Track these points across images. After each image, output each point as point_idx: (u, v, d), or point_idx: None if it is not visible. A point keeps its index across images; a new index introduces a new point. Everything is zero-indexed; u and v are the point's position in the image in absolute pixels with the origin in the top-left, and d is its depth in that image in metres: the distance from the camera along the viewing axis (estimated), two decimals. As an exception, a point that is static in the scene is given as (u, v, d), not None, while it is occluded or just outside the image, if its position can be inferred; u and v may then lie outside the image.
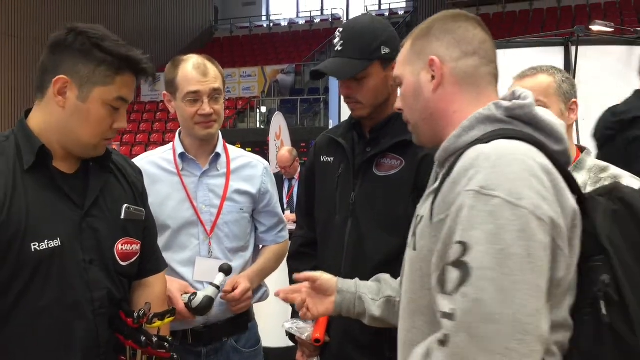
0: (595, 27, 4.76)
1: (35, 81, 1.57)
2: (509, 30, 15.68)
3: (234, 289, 2.13)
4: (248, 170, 2.29)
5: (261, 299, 2.34)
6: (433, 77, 1.26)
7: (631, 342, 1.04)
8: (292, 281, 2.29)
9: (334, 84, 5.14)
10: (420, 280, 1.19)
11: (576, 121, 1.97)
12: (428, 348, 1.08)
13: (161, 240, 2.06)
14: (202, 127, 2.16)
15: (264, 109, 18.36)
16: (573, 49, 4.51)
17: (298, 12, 24.71)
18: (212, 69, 2.16)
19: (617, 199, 1.14)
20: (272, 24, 23.91)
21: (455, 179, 1.11)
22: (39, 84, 1.54)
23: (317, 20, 23.32)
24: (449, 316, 1.02)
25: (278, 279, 2.30)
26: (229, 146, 2.34)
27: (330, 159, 2.09)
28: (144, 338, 1.52)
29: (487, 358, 0.97)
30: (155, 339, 1.53)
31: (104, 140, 1.57)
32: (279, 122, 7.68)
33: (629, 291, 1.06)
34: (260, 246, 2.37)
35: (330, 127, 5.24)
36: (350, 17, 21.69)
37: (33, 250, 1.44)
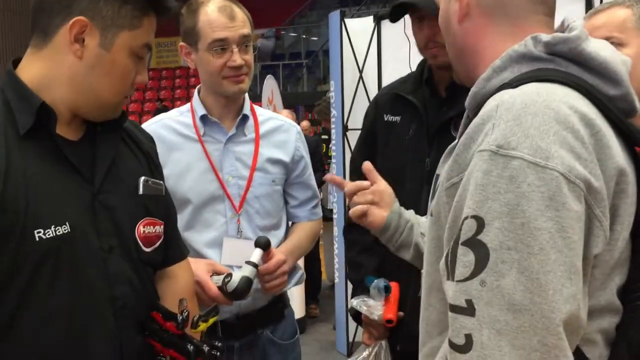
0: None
1: (33, 24, 1.23)
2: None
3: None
4: (280, 135, 1.96)
5: (298, 283, 2.03)
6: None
7: None
8: (349, 264, 2.00)
9: (335, 40, 4.77)
10: (435, 252, 1.01)
11: None
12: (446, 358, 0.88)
13: (181, 218, 1.74)
14: (232, 82, 1.82)
15: (244, 75, 17.90)
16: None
17: (275, -26, 24.05)
18: (240, 11, 1.82)
19: None
20: (248, -13, 23.27)
21: (470, 135, 0.91)
22: (39, 28, 1.20)
23: (295, -18, 22.72)
24: (463, 310, 0.82)
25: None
26: (257, 107, 2.00)
27: (397, 119, 1.88)
28: (192, 347, 1.20)
29: (520, 357, 0.78)
30: (207, 348, 1.20)
31: (125, 98, 1.27)
32: (270, 86, 7.38)
33: None
34: (290, 223, 2.05)
35: (332, 89, 4.93)
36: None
37: (37, 239, 1.12)
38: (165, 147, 1.81)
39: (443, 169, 1.02)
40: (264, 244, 1.76)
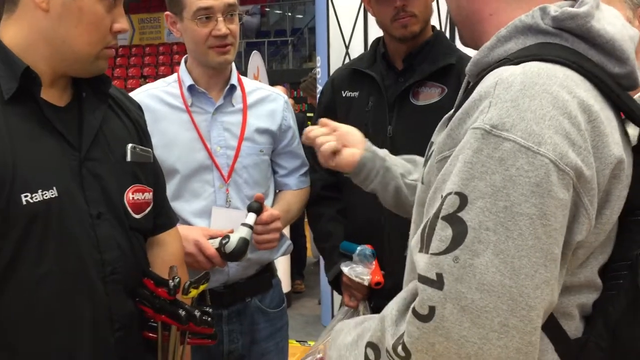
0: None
1: None
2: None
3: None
4: (267, 105, 1.97)
5: (285, 253, 2.05)
6: None
7: None
8: (317, 235, 2.05)
9: (321, 15, 4.76)
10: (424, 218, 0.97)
11: None
12: (400, 313, 0.89)
13: (169, 188, 1.75)
14: (217, 53, 1.81)
15: (229, 52, 17.74)
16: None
17: (260, -50, 23.73)
18: None
19: None
20: (233, -37, 22.95)
21: (466, 110, 0.88)
22: None
23: (280, -41, 22.45)
24: (432, 283, 0.82)
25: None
26: (243, 77, 2.00)
27: (355, 94, 1.94)
28: (184, 312, 1.21)
29: (479, 335, 0.79)
30: (199, 313, 1.22)
31: (106, 48, 1.24)
32: (256, 63, 7.31)
33: None
34: (278, 191, 2.06)
35: (319, 64, 4.92)
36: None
37: (24, 202, 1.12)
38: (153, 117, 1.79)
39: (437, 139, 1.01)
40: (256, 209, 1.78)
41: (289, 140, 2.00)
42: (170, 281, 1.24)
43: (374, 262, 1.82)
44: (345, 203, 2.00)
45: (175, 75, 1.94)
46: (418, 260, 0.86)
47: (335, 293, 4.09)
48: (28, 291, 1.15)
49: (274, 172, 2.03)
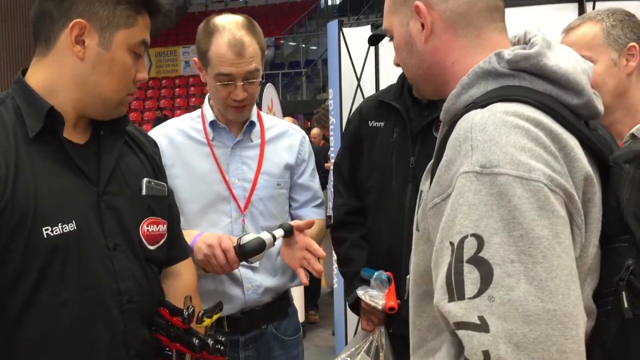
0: (607, -18, 4.56)
1: (36, 34, 1.29)
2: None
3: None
4: (284, 140, 2.04)
5: (300, 283, 2.07)
6: (423, 26, 1.07)
7: None
8: (339, 259, 2.09)
9: (333, 49, 4.84)
10: (424, 264, 1.03)
11: None
12: None
13: (189, 218, 1.84)
14: (233, 111, 1.91)
15: (244, 84, 17.91)
16: (588, 5, 4.29)
17: (274, -16, 24.14)
18: (250, 45, 1.84)
19: None
20: (248, -2, 23.35)
21: (449, 157, 0.93)
22: (41, 37, 1.26)
23: (294, -7, 22.80)
24: (476, 327, 0.82)
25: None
26: (263, 114, 2.08)
27: (381, 124, 2.01)
28: (198, 341, 1.25)
29: None
30: (212, 342, 1.26)
31: (128, 95, 1.33)
32: (270, 95, 7.42)
33: None
34: None
35: (331, 97, 4.99)
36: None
37: (45, 235, 1.18)
38: (176, 149, 1.90)
39: (425, 186, 1.06)
40: (287, 228, 1.83)
41: (300, 174, 2.06)
42: (185, 310, 1.28)
43: (389, 287, 1.86)
44: (369, 228, 2.06)
45: (199, 111, 2.02)
46: (451, 310, 0.85)
47: (349, 323, 4.09)
48: (48, 318, 1.20)
49: (290, 206, 2.07)
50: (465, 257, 0.85)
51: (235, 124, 1.98)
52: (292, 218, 2.08)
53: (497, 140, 0.87)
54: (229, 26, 1.85)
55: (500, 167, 0.85)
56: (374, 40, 2.01)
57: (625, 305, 0.91)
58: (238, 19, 1.89)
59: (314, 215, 2.07)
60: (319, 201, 2.09)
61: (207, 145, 1.95)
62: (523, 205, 0.83)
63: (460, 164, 0.89)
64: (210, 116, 1.97)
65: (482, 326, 0.81)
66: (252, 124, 1.98)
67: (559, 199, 0.85)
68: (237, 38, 1.83)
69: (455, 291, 0.85)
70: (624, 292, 0.91)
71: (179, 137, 1.96)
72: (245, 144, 1.98)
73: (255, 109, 2.01)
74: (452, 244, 0.87)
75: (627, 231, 0.94)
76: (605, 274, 0.97)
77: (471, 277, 0.84)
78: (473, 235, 0.84)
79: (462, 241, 0.86)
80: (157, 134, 1.93)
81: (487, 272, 0.82)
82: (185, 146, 1.95)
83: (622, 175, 0.98)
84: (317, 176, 2.12)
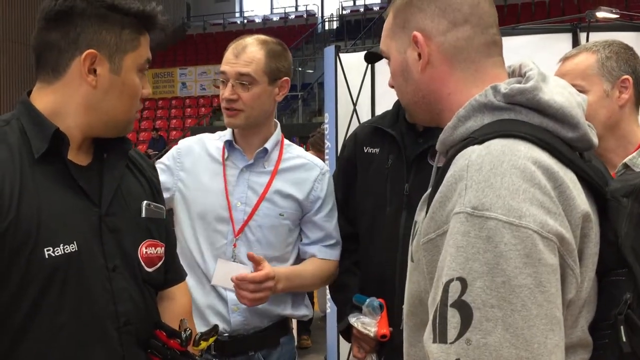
0: (600, 14, 4.62)
1: (40, 63, 1.30)
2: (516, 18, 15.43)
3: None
4: (300, 173, 2.00)
5: (301, 317, 2.08)
6: (420, 56, 1.07)
7: None
8: (332, 285, 2.09)
9: (329, 74, 4.89)
10: (417, 295, 1.05)
11: None
12: None
13: (191, 230, 1.89)
14: (225, 114, 1.92)
15: (240, 106, 17.98)
16: (582, 35, 4.36)
17: (272, 8, 24.38)
18: (252, 53, 1.89)
19: None
20: (246, 21, 23.55)
21: (444, 193, 0.94)
22: (47, 66, 1.28)
23: (291, 17, 23.04)
24: None
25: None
26: (290, 145, 2.05)
27: (376, 150, 2.01)
28: (194, 364, 1.26)
29: None
30: (208, 365, 1.27)
31: (135, 113, 1.37)
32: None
33: None
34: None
35: (327, 121, 5.03)
36: (325, 13, 21.90)
37: (47, 256, 1.19)
38: (192, 160, 1.98)
39: (420, 217, 1.06)
40: None
41: (314, 211, 2.00)
42: (183, 333, 1.29)
43: (381, 315, 1.85)
44: (361, 254, 2.04)
45: (230, 130, 2.04)
46: (434, 352, 0.87)
47: (341, 349, 4.07)
48: (46, 339, 1.20)
49: (301, 240, 2.05)
50: (450, 301, 0.86)
51: (251, 147, 1.98)
52: (301, 253, 2.05)
53: (491, 182, 0.87)
54: (252, 36, 1.95)
55: (492, 211, 0.86)
56: (371, 59, 2.03)
57: (624, 339, 0.91)
58: (267, 37, 1.97)
59: (320, 254, 2.02)
60: (332, 241, 2.04)
61: (221, 164, 1.98)
62: (509, 252, 0.84)
63: (454, 203, 0.90)
64: (228, 136, 2.00)
65: None
66: (265, 150, 1.98)
67: (549, 246, 0.86)
68: (243, 43, 1.91)
69: (439, 334, 0.87)
70: (622, 326, 0.92)
71: (199, 150, 2.01)
72: (256, 169, 1.98)
73: (279, 137, 2.01)
74: (442, 284, 0.89)
75: (624, 265, 0.95)
76: (603, 306, 0.97)
77: (453, 321, 0.85)
78: (458, 278, 0.86)
79: (447, 284, 0.87)
80: (183, 141, 2.05)
81: (467, 315, 0.84)
82: (201, 160, 1.99)
83: (619, 209, 0.98)
84: (336, 216, 2.04)
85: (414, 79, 1.09)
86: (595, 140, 1.03)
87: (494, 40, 1.07)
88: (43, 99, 1.29)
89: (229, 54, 1.91)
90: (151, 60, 1.38)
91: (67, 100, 1.28)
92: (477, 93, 1.01)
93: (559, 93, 1.00)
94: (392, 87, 1.18)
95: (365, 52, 4.79)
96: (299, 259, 2.04)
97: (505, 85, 1.00)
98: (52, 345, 1.20)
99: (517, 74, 1.08)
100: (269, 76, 1.91)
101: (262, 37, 1.97)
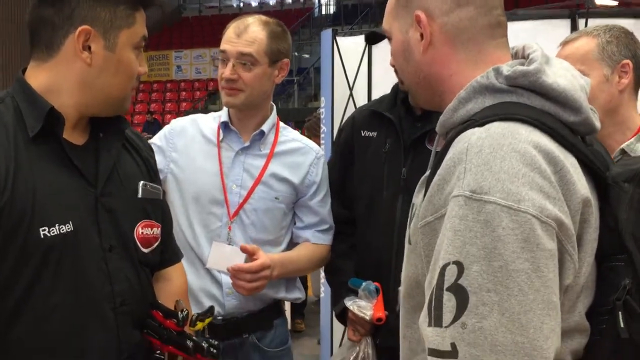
0: (599, 1, 4.61)
1: (34, 40, 1.28)
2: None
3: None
4: (295, 156, 2.00)
5: (294, 300, 2.08)
6: (422, 36, 1.05)
7: None
8: (327, 269, 2.09)
9: (326, 58, 4.86)
10: (414, 277, 1.04)
11: None
12: None
13: (184, 213, 1.87)
14: (224, 93, 1.90)
15: (235, 90, 17.94)
16: (580, 21, 4.34)
17: (268, -9, 24.22)
18: (254, 33, 1.87)
19: None
20: (242, 4, 23.40)
21: (443, 176, 0.93)
22: (41, 43, 1.26)
23: (288, 0, 22.90)
24: (450, 354, 0.83)
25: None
26: (286, 128, 2.05)
27: (373, 134, 2.00)
28: (191, 343, 1.25)
29: None
30: (206, 345, 1.26)
31: (131, 90, 1.35)
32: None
33: None
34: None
35: (323, 105, 5.01)
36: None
37: (42, 236, 1.18)
38: (186, 141, 1.94)
39: (418, 200, 1.06)
40: None
41: (309, 196, 2.00)
42: (180, 313, 1.29)
43: (377, 298, 1.86)
44: (357, 238, 2.04)
45: (225, 110, 2.02)
46: (429, 335, 0.87)
47: (335, 332, 4.09)
48: (41, 319, 1.19)
49: (294, 223, 2.04)
50: (446, 284, 0.86)
51: (247, 129, 1.97)
52: (294, 237, 2.04)
53: (490, 166, 0.87)
54: (253, 16, 1.92)
55: (490, 194, 0.85)
56: (372, 39, 2.00)
57: (622, 325, 0.91)
58: (268, 18, 1.95)
59: (313, 238, 2.02)
60: (326, 226, 2.04)
61: (216, 146, 1.95)
62: (507, 237, 0.83)
63: (453, 186, 0.90)
64: (224, 117, 1.97)
65: (452, 352, 0.83)
66: (262, 133, 1.96)
67: (548, 230, 0.85)
68: (245, 22, 1.88)
69: (434, 318, 0.87)
70: (620, 312, 0.92)
71: (192, 130, 1.98)
72: (252, 152, 1.96)
73: (272, 119, 2.00)
74: (440, 267, 0.88)
75: (624, 251, 0.95)
76: (601, 292, 0.97)
77: (449, 305, 0.85)
78: (455, 262, 0.85)
79: (444, 268, 0.87)
80: (176, 121, 2.02)
81: (463, 299, 0.84)
82: (195, 140, 1.96)
83: (620, 194, 0.98)
84: (329, 201, 2.05)
85: (415, 60, 1.07)
86: (598, 124, 1.03)
87: (499, 22, 1.05)
88: (37, 77, 1.27)
89: (230, 33, 1.88)
90: (147, 38, 1.36)
91: (61, 78, 1.26)
92: (479, 75, 1.00)
93: (562, 76, 0.99)
94: (394, 66, 1.16)
95: (363, 34, 4.79)
96: (291, 243, 2.04)
97: (508, 67, 0.98)
98: (47, 325, 1.20)
99: (521, 55, 1.06)
100: (270, 57, 1.89)
101: (264, 17, 1.95)
